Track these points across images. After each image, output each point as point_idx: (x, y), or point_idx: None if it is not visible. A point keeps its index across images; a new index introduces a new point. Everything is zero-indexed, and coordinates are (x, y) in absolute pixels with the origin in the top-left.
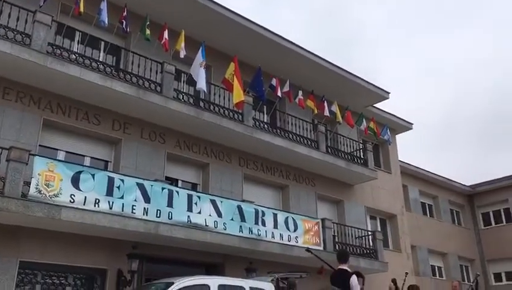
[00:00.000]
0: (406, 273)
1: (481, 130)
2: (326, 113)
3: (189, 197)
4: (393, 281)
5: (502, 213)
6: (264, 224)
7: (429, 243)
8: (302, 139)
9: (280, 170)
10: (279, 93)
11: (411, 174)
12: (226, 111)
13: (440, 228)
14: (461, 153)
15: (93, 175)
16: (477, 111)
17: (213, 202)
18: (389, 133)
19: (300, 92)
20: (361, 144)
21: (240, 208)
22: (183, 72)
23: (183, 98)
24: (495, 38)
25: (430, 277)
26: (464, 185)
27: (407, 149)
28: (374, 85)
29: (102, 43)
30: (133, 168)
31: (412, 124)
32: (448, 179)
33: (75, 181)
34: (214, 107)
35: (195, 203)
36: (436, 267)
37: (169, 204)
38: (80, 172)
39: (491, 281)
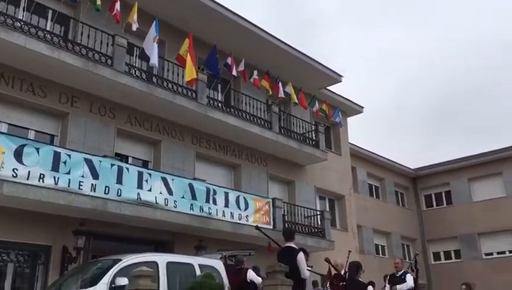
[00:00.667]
0: (349, 251)
1: (428, 117)
2: (281, 94)
3: (140, 174)
4: (327, 260)
5: (443, 196)
6: (215, 202)
7: (374, 223)
8: (255, 119)
9: (233, 149)
10: (234, 72)
11: (360, 156)
12: (179, 88)
13: (385, 208)
14: (408, 137)
15: (37, 149)
16: (425, 98)
17: (164, 180)
18: (340, 115)
19: (255, 72)
20: (313, 126)
21: (191, 186)
22: (136, 46)
23: (135, 73)
24: (442, 26)
25: (374, 255)
26: (409, 168)
27: (358, 132)
28: (327, 68)
29: (50, 11)
30: (81, 143)
31: (363, 107)
32: (394, 162)
33: (18, 155)
34: (168, 83)
35: (146, 181)
36: (380, 246)
37: (119, 181)
38: (23, 145)
39: (430, 260)
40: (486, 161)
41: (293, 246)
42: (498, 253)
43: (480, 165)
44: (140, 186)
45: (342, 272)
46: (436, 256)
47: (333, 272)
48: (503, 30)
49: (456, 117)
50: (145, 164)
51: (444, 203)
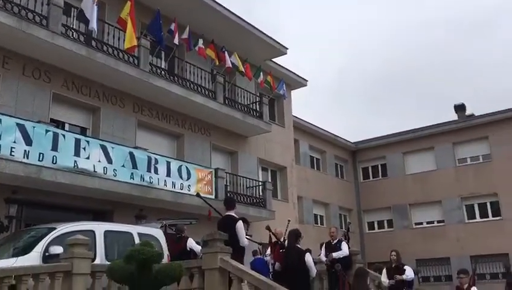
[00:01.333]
0: (288, 220)
1: (369, 92)
2: (229, 64)
3: (77, 141)
4: (268, 228)
5: (379, 168)
6: (156, 172)
7: (314, 194)
8: (199, 89)
9: (176, 119)
10: (176, 40)
11: (303, 129)
12: (121, 53)
13: (325, 180)
14: (350, 112)
15: None
16: (366, 74)
17: (103, 148)
18: (284, 87)
19: (200, 41)
20: (257, 97)
21: (132, 155)
22: (74, 6)
23: (72, 35)
24: (385, 7)
25: (313, 225)
26: (349, 141)
27: (301, 105)
28: (273, 39)
29: None
30: (13, 108)
31: (307, 80)
32: (335, 135)
33: None
34: (108, 48)
35: (84, 148)
36: (319, 216)
37: (54, 148)
38: None
39: (365, 229)
40: (420, 136)
41: (233, 215)
42: (427, 223)
43: (414, 140)
44: (77, 153)
45: (282, 240)
46: (371, 225)
47: (273, 239)
48: (443, 12)
49: (396, 93)
50: (83, 131)
51: (380, 175)
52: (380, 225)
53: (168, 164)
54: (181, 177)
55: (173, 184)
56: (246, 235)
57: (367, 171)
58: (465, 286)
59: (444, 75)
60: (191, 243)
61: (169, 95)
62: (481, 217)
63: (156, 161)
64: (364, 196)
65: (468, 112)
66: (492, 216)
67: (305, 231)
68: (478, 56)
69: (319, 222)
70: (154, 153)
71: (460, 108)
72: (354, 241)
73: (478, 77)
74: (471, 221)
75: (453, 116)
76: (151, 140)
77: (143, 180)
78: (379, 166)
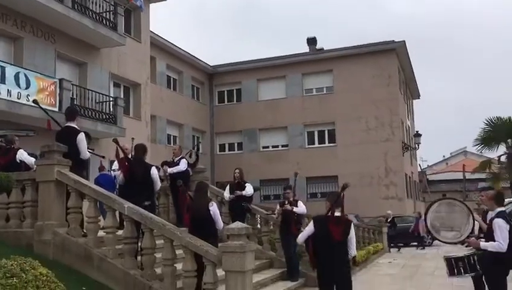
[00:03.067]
0: (132, 138)
1: (230, 19)
2: None
3: None
4: (115, 141)
5: (234, 93)
6: None
7: (168, 114)
8: None
9: (14, 19)
10: None
11: (161, 47)
12: None
13: (180, 101)
14: (213, 35)
15: None
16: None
17: None
18: None
19: None
20: (112, 6)
21: None
22: None
23: None
24: None
25: (165, 145)
26: (207, 64)
27: (163, 23)
28: None
29: None
30: None
31: None
32: (194, 56)
33: None
34: None
35: None
36: (172, 136)
37: None
38: None
39: (216, 150)
40: (274, 64)
41: (74, 126)
42: (273, 146)
43: (268, 68)
44: None
45: (130, 156)
46: (222, 147)
47: (121, 154)
48: None
49: (257, 22)
50: None
51: (234, 100)
52: (231, 147)
53: (3, 69)
54: (18, 85)
55: (8, 92)
56: (88, 149)
57: (222, 95)
58: (291, 198)
59: (301, 11)
60: (22, 155)
61: None
62: (319, 143)
63: None
64: (217, 119)
65: (318, 46)
66: (329, 143)
67: (157, 151)
68: None
69: (172, 142)
70: None
71: (312, 41)
72: (205, 161)
73: (332, 16)
74: (310, 146)
75: (306, 49)
76: None
77: None
78: (234, 91)
